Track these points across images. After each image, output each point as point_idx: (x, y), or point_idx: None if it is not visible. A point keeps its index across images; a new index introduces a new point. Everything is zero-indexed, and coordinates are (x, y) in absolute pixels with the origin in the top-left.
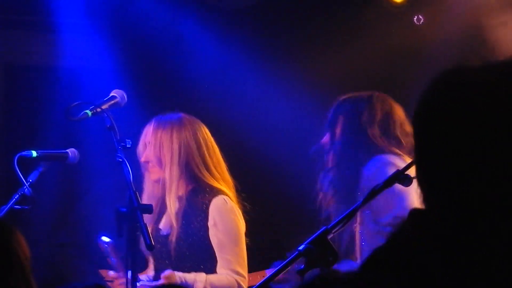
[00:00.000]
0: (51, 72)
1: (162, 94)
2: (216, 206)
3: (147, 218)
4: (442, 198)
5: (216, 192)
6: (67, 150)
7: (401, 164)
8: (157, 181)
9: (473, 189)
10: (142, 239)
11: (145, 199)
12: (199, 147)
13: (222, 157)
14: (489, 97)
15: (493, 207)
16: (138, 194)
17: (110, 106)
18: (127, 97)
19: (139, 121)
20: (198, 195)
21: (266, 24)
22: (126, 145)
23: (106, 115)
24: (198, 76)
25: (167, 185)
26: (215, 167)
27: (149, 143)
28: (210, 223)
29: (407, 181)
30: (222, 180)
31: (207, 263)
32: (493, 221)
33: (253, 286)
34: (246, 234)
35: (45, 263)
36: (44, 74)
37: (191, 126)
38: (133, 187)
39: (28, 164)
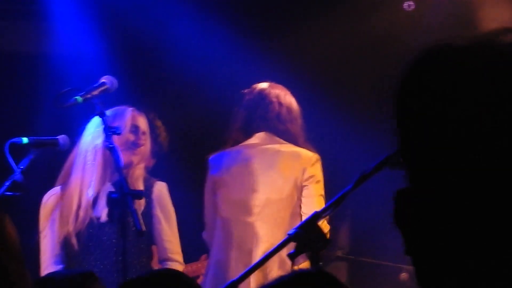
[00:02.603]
0: (41, 59)
1: (152, 80)
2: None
3: None
4: (430, 176)
5: None
6: (58, 137)
7: None
8: None
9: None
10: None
11: None
12: None
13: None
14: (475, 76)
15: (482, 184)
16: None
17: (100, 92)
18: (117, 83)
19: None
20: None
21: (250, 8)
22: (116, 131)
23: (96, 101)
24: (187, 61)
25: None
26: None
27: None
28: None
29: (398, 165)
30: None
31: None
32: (483, 197)
33: None
34: None
35: (36, 250)
36: (34, 61)
37: None
38: (123, 173)
39: (19, 151)
